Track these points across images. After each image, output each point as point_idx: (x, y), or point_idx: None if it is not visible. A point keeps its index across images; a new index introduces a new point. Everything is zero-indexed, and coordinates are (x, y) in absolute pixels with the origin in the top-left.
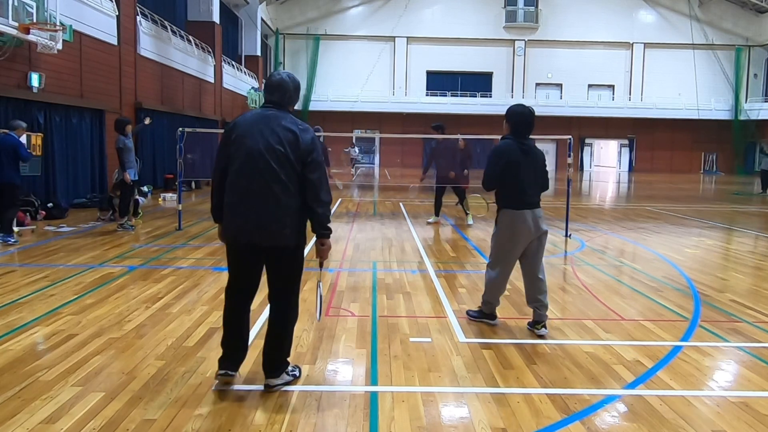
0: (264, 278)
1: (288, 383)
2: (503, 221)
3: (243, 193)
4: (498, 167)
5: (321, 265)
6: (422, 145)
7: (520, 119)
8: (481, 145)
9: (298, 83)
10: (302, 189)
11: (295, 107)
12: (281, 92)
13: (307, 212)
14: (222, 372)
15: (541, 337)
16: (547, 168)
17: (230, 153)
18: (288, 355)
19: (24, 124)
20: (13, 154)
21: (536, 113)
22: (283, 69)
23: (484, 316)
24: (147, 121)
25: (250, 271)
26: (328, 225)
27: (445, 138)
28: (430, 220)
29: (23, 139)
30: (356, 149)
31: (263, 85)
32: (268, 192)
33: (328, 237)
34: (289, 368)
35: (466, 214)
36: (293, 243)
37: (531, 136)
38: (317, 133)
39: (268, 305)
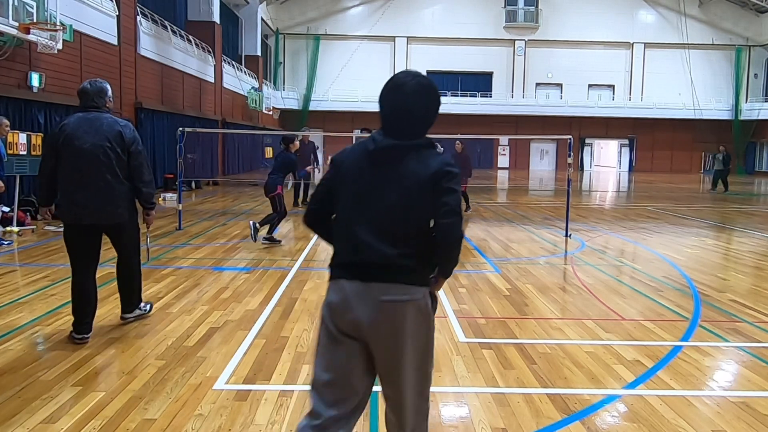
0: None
1: (140, 316)
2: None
3: (79, 184)
4: (319, 188)
5: (147, 226)
6: None
7: (385, 101)
8: (481, 145)
9: (98, 87)
10: (128, 174)
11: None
12: (83, 98)
13: (134, 192)
14: (79, 337)
15: None
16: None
17: (59, 152)
18: (139, 295)
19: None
20: None
21: (536, 113)
22: (283, 69)
23: None
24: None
25: (91, 246)
26: (152, 201)
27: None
28: None
29: (23, 139)
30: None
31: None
32: (101, 181)
33: (153, 209)
34: (141, 305)
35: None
36: (126, 219)
37: (530, 136)
38: (303, 133)
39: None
